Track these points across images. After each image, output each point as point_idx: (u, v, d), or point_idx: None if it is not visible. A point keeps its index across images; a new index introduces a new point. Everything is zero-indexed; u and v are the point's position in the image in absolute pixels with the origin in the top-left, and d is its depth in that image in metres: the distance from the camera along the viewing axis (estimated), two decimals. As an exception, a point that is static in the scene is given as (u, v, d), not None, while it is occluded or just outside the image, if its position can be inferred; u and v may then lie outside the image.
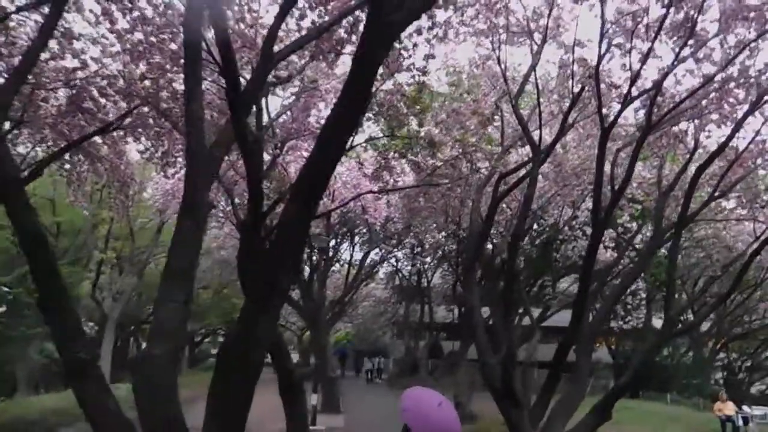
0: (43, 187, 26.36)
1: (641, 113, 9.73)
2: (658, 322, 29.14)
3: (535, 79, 8.48)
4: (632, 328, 26.09)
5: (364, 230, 22.57)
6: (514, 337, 8.16)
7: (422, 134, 9.16)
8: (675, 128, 9.92)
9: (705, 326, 25.02)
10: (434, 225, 16.80)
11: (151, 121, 10.64)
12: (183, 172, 14.64)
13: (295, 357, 47.13)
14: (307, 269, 19.28)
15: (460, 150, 9.36)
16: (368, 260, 24.91)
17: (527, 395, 8.74)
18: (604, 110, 10.23)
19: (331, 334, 46.36)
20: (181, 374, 29.61)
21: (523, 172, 9.78)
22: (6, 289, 27.26)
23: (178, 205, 16.64)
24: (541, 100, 10.62)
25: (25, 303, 26.81)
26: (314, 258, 16.81)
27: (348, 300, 27.40)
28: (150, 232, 27.22)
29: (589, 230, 15.41)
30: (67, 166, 12.86)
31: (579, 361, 9.23)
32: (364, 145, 9.80)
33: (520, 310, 17.86)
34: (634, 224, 14.35)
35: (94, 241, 26.21)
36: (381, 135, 9.99)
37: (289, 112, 10.18)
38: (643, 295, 24.17)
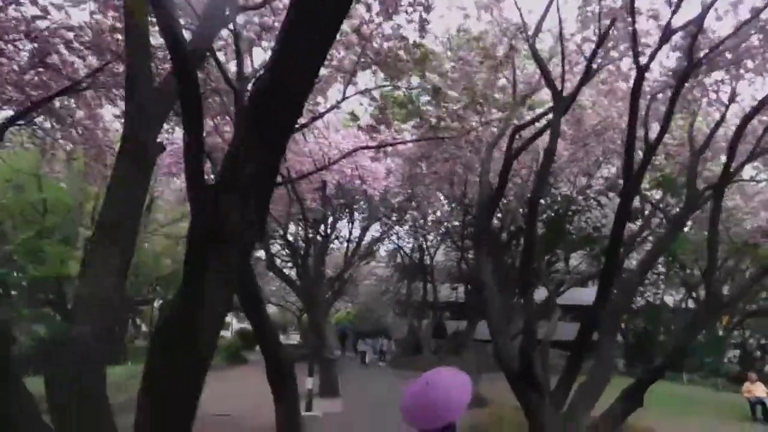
0: (30, 162, 25.23)
1: (672, 62, 8.56)
2: (669, 299, 28.13)
3: (557, 8, 7.21)
4: (646, 304, 24.97)
5: (363, 204, 21.44)
6: (532, 314, 7.03)
7: (425, 81, 7.92)
8: (708, 79, 8.75)
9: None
10: (438, 194, 15.63)
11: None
12: (170, 138, 13.68)
13: (296, 338, 46.53)
14: (302, 244, 18.16)
15: (469, 100, 8.12)
16: (368, 237, 23.86)
17: (546, 378, 7.62)
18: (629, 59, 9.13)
19: (332, 314, 45.57)
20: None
21: (538, 126, 8.62)
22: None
23: (162, 177, 15.32)
24: (555, 54, 9.46)
25: (11, 283, 25.86)
26: (309, 231, 15.66)
27: (348, 278, 26.42)
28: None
29: (604, 200, 14.26)
30: (40, 133, 11.86)
31: (603, 340, 8.15)
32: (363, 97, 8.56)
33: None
34: (654, 192, 13.17)
35: (80, 218, 25.04)
36: (378, 86, 8.74)
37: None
38: (662, 269, 22.93)
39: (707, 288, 7.08)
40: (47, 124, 11.60)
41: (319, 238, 24.00)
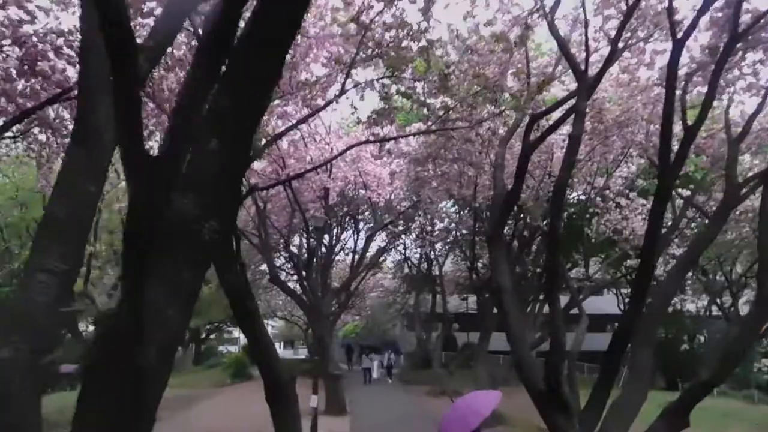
0: (30, 180, 24.67)
1: (706, 39, 7.77)
2: (690, 307, 27.06)
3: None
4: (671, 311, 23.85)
5: (368, 213, 20.68)
6: (560, 324, 6.18)
7: (431, 71, 7.16)
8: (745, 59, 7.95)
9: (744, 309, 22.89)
10: (445, 199, 14.83)
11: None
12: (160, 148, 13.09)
13: (304, 352, 45.50)
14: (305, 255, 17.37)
15: (480, 87, 7.35)
16: (374, 247, 23.04)
17: (575, 396, 6.75)
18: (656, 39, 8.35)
19: (339, 327, 44.61)
20: (186, 371, 27.89)
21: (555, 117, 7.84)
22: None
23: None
24: (575, 35, 8.72)
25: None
26: (312, 241, 14.88)
27: (354, 290, 25.56)
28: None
29: (624, 201, 13.41)
30: (35, 146, 11.43)
31: (637, 352, 7.25)
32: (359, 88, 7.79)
33: (542, 296, 15.95)
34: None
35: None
36: (379, 77, 7.99)
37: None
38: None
39: (759, 290, 6.21)
40: (42, 136, 11.17)
41: (323, 249, 23.35)
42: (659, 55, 8.71)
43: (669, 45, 6.14)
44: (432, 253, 27.63)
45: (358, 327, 45.37)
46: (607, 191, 13.13)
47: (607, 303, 27.58)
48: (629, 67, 9.20)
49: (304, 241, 18.35)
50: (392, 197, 16.37)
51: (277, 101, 9.35)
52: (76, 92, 9.98)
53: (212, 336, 41.25)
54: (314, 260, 15.28)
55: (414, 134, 8.70)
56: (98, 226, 24.38)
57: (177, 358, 31.22)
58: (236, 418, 13.76)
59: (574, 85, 7.70)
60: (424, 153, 11.01)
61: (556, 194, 6.08)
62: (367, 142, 7.59)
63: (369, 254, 21.73)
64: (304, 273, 16.43)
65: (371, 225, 19.76)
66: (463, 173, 11.98)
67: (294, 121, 9.81)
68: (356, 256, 19.77)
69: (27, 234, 24.67)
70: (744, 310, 23.03)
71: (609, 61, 6.65)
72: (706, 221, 10.22)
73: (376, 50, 7.89)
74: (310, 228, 14.34)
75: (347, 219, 22.20)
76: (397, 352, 32.13)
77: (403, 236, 25.98)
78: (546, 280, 6.21)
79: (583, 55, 6.55)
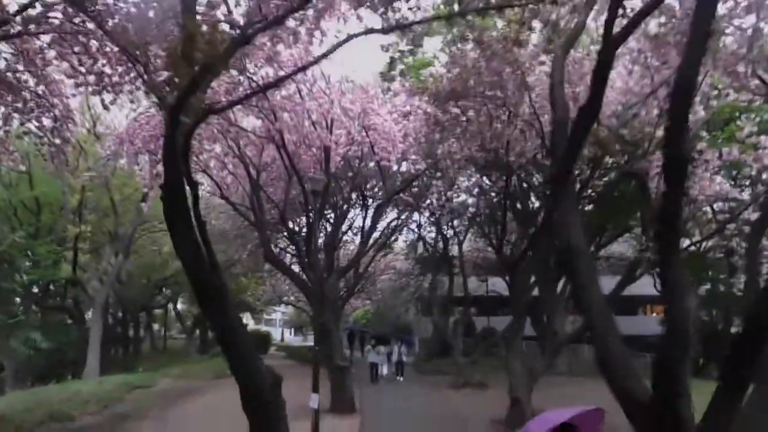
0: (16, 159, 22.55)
1: None
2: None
3: None
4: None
5: (377, 189, 18.38)
6: (685, 299, 3.86)
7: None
8: None
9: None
10: (467, 163, 12.45)
11: (68, 24, 7.57)
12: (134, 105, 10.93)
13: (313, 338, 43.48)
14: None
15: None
16: (384, 224, 20.75)
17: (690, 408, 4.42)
18: None
19: (348, 313, 42.41)
20: (190, 361, 25.93)
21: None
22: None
23: (134, 154, 12.47)
24: None
25: (7, 289, 23.33)
26: (311, 212, 12.60)
27: (363, 272, 23.36)
28: (132, 202, 23.36)
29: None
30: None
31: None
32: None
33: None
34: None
35: (68, 214, 22.29)
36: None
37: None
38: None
39: None
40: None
41: (327, 227, 21.11)
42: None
43: None
44: (450, 230, 25.37)
45: (369, 312, 43.21)
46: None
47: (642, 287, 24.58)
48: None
49: (304, 219, 16.09)
50: (404, 158, 14.08)
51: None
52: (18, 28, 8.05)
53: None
54: (314, 234, 12.98)
55: (435, 18, 6.12)
56: (83, 207, 22.43)
57: (180, 347, 28.97)
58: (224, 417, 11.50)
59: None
60: (447, 87, 8.68)
61: (677, 98, 3.77)
62: (371, 31, 5.19)
63: (379, 229, 19.50)
64: (302, 250, 14.19)
65: (380, 196, 17.45)
66: (494, 120, 9.65)
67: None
68: (365, 232, 17.44)
69: (14, 217, 22.76)
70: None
71: None
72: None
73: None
74: (308, 191, 12.03)
75: (354, 194, 19.97)
76: (409, 344, 26.54)
77: (416, 213, 23.76)
78: (662, 231, 3.88)
79: None
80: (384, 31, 5.50)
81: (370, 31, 5.21)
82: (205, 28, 5.25)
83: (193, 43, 4.88)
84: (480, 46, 7.46)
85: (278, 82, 8.77)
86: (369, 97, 12.82)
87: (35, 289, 26.31)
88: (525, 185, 14.58)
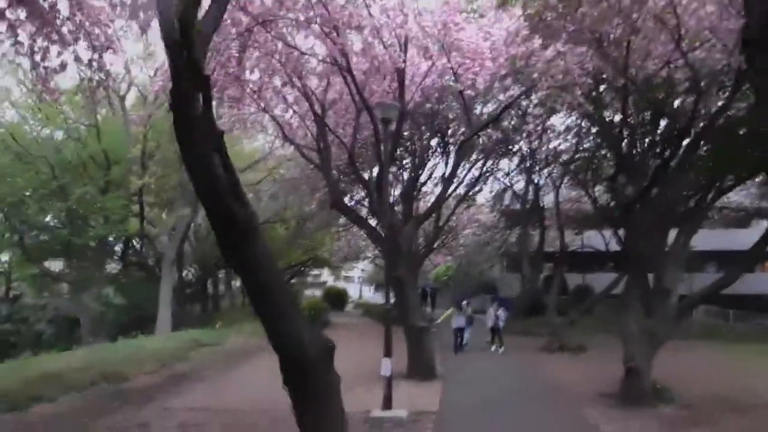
0: (77, 111, 22.27)
1: None
2: None
3: None
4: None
5: (459, 133, 16.21)
6: None
7: None
8: None
9: None
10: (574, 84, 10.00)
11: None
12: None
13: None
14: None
15: None
16: (466, 169, 18.54)
17: None
18: None
19: (428, 269, 40.66)
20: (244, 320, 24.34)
21: None
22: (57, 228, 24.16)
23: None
24: None
25: (79, 246, 23.59)
26: (382, 148, 10.71)
27: (444, 224, 21.42)
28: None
29: None
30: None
31: None
32: None
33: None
34: None
35: (131, 165, 21.78)
36: None
37: None
38: None
39: None
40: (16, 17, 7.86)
41: (405, 174, 19.27)
42: None
43: None
44: (542, 179, 22.79)
45: (451, 269, 41.30)
46: None
47: (747, 237, 20.51)
48: None
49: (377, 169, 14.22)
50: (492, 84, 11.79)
51: None
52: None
53: (293, 280, 38.80)
54: (385, 174, 11.07)
55: None
56: (146, 158, 21.84)
57: (235, 308, 27.56)
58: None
59: None
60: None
61: None
62: None
63: (460, 176, 17.38)
64: (373, 193, 12.40)
65: (462, 133, 15.27)
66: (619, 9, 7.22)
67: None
68: (445, 177, 15.38)
69: (84, 171, 22.61)
70: None
71: None
72: None
73: None
74: (378, 119, 10.12)
75: (434, 140, 17.88)
76: (507, 306, 20.11)
77: (504, 160, 21.33)
78: None
79: None
80: None
81: None
82: None
83: None
84: None
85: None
86: (451, 9, 10.60)
87: (110, 245, 26.50)
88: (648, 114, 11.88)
